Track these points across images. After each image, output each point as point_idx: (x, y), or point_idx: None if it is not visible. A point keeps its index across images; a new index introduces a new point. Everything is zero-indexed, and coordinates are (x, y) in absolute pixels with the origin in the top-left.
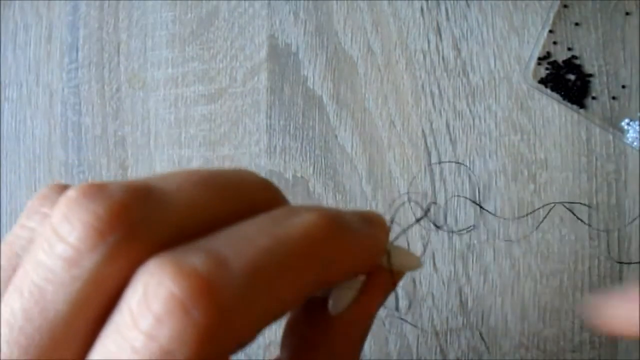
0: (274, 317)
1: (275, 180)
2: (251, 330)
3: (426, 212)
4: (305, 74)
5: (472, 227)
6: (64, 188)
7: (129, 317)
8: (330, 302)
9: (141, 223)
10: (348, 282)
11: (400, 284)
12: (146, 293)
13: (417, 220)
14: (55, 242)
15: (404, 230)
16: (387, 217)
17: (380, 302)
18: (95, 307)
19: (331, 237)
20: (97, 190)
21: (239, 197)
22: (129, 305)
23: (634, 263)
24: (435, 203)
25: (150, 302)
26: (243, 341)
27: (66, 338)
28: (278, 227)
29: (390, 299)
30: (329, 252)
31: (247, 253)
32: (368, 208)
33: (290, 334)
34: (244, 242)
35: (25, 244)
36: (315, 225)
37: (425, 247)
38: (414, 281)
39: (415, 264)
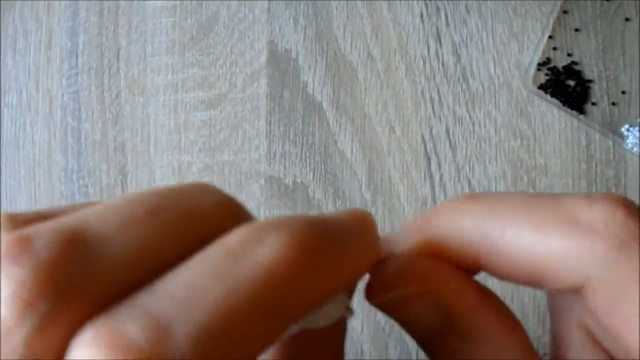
0: None
1: (275, 186)
2: None
3: None
4: (305, 79)
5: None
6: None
7: None
8: (313, 319)
9: (74, 284)
10: (332, 298)
11: None
12: None
13: None
14: None
15: None
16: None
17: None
18: None
19: (308, 265)
20: (21, 248)
21: (193, 228)
22: None
23: None
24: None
25: None
26: None
27: None
28: (236, 265)
29: None
30: (306, 283)
31: (196, 311)
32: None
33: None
34: (192, 294)
35: None
36: (285, 256)
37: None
38: None
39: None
